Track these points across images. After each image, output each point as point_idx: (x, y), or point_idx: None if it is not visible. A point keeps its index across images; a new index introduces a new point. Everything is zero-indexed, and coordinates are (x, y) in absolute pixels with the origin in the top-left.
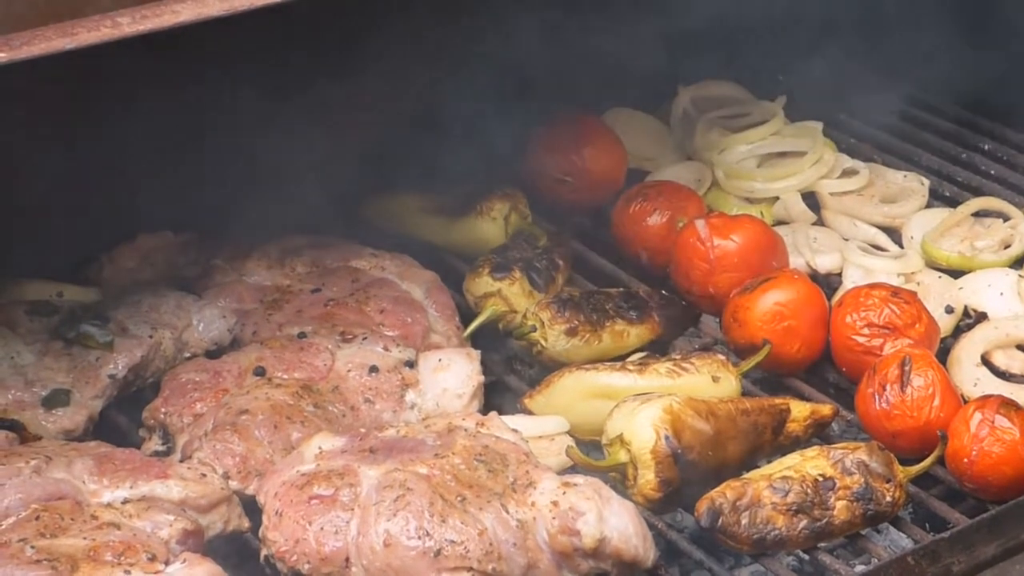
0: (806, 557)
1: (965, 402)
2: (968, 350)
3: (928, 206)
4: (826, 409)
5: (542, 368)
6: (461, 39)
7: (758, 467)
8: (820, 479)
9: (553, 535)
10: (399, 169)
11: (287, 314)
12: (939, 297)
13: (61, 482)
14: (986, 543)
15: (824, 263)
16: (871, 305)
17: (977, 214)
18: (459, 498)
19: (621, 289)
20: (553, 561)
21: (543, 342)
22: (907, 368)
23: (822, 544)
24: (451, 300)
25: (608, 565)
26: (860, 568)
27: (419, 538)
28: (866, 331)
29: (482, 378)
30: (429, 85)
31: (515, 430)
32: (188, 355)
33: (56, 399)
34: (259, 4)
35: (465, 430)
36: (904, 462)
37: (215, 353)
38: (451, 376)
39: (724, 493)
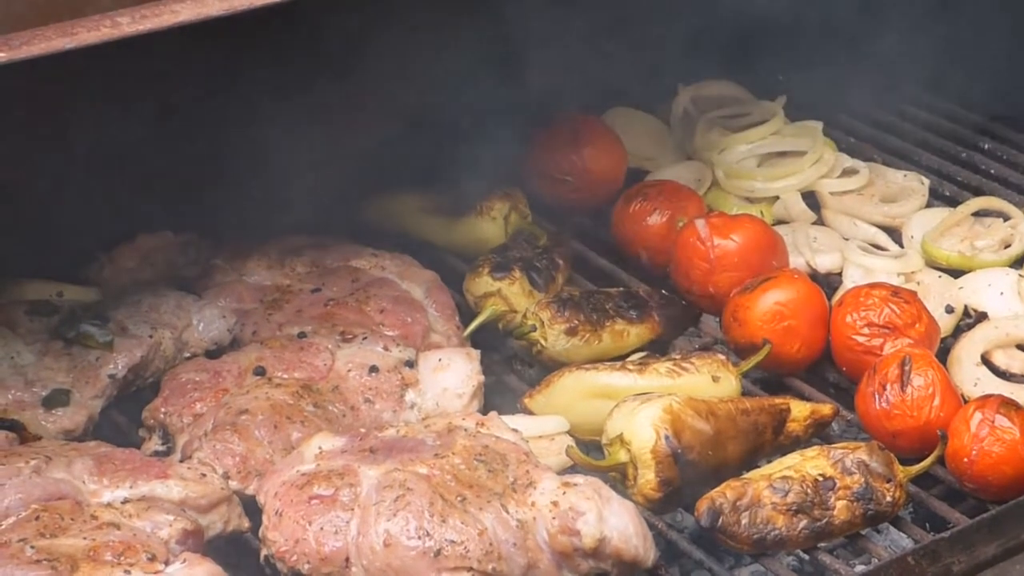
0: (806, 557)
1: (965, 402)
2: (968, 350)
3: (928, 206)
4: (826, 409)
5: (542, 368)
6: (461, 39)
7: (758, 467)
8: (820, 479)
9: (553, 535)
10: (399, 169)
11: (287, 314)
12: (939, 297)
13: (61, 482)
14: (986, 543)
15: (824, 263)
16: (871, 305)
17: (977, 214)
18: (459, 498)
19: (621, 289)
20: (553, 561)
21: (543, 342)
22: (907, 368)
23: (822, 544)
24: (451, 300)
25: (608, 565)
26: (860, 568)
27: (419, 538)
28: (866, 331)
29: (482, 378)
30: (429, 85)
31: (515, 430)
32: (188, 355)
33: (56, 399)
34: (259, 4)
35: (465, 430)
36: (904, 462)
37: (215, 353)
38: (451, 376)
39: (724, 493)
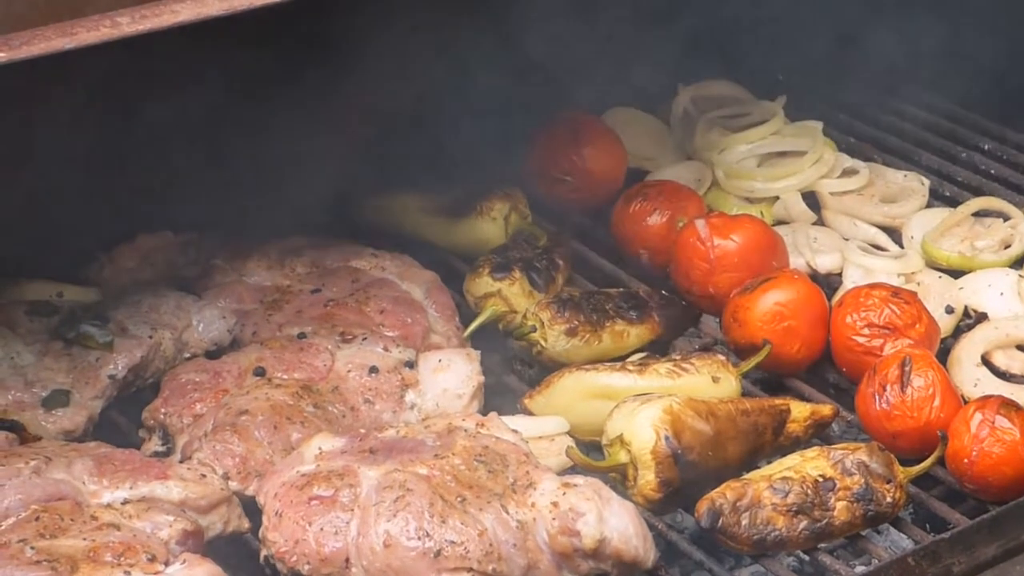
0: (806, 558)
1: (965, 402)
2: (968, 350)
3: (928, 206)
4: (826, 409)
5: (542, 368)
6: (461, 39)
7: (758, 468)
8: (820, 480)
9: (553, 536)
10: (399, 169)
11: (287, 314)
12: (939, 297)
13: (61, 483)
14: (986, 544)
15: (824, 263)
16: (871, 305)
17: (977, 214)
18: (459, 499)
19: (621, 289)
20: (553, 562)
21: (543, 342)
22: (907, 368)
23: (822, 545)
24: (451, 300)
25: (608, 566)
26: (860, 569)
27: (419, 539)
28: (866, 331)
29: (482, 378)
30: (429, 85)
31: (515, 430)
32: (188, 355)
33: (56, 400)
34: (259, 4)
35: (465, 430)
36: (904, 463)
37: (215, 353)
38: (451, 376)
39: (724, 494)
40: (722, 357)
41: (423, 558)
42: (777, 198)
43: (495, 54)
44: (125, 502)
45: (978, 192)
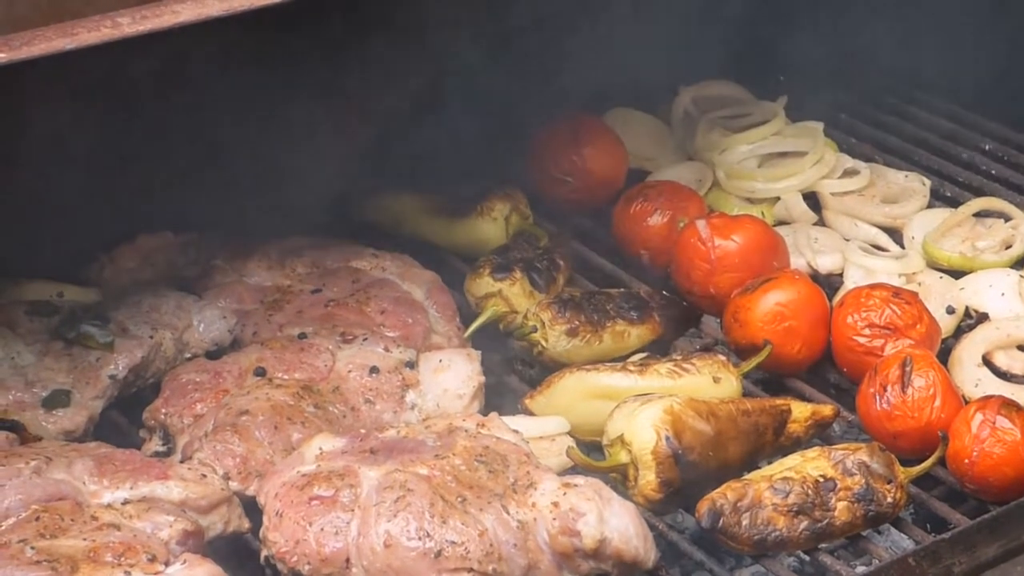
0: (807, 558)
1: (966, 403)
2: (969, 351)
3: (929, 206)
4: (827, 410)
5: (543, 369)
6: (462, 39)
7: (759, 468)
8: (821, 480)
9: (554, 536)
10: (399, 169)
11: (287, 315)
12: (940, 297)
13: (61, 483)
14: (987, 544)
15: (825, 263)
16: (872, 305)
17: (978, 214)
18: (459, 499)
19: (622, 289)
20: (554, 562)
21: (544, 343)
22: (908, 369)
23: (823, 545)
24: (452, 300)
25: (609, 566)
26: (861, 569)
27: (419, 539)
28: (867, 331)
29: (483, 379)
30: (429, 85)
31: (516, 431)
32: (188, 356)
33: (56, 400)
34: (259, 4)
35: (466, 431)
36: (905, 463)
37: (215, 354)
38: (452, 377)
39: (725, 494)
40: (723, 357)
41: (423, 558)
42: (778, 198)
43: (495, 54)
44: (125, 502)
45: (979, 192)
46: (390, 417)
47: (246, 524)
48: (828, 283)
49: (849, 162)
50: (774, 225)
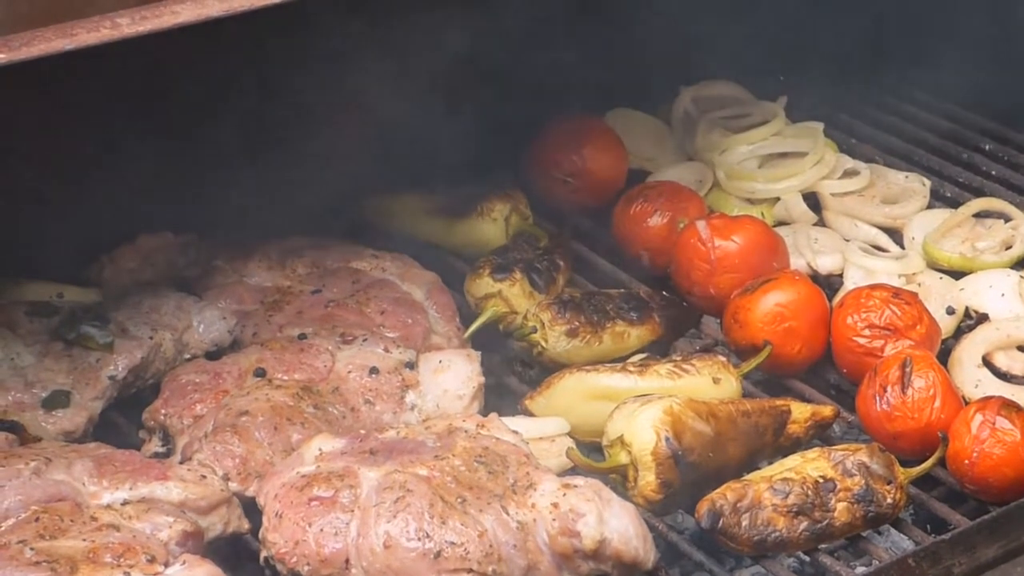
0: (807, 559)
1: (966, 403)
2: (969, 351)
3: (929, 207)
4: (827, 410)
5: (542, 369)
6: (461, 39)
7: (759, 468)
8: (821, 481)
9: (553, 536)
10: (399, 169)
11: (287, 315)
12: (940, 298)
13: (61, 484)
14: (987, 545)
15: (825, 264)
16: (872, 306)
17: (978, 215)
18: (459, 500)
19: (622, 290)
20: (553, 563)
21: (544, 343)
22: (908, 369)
23: (823, 546)
24: (452, 301)
25: (608, 567)
26: (861, 570)
27: (419, 540)
28: (867, 332)
29: (482, 379)
30: (430, 85)
31: (515, 431)
32: (188, 356)
33: (56, 400)
34: (259, 4)
35: (465, 431)
36: (905, 463)
37: (215, 354)
38: (451, 377)
39: (725, 495)
40: (723, 358)
41: (423, 559)
42: (778, 199)
43: (495, 54)
44: (125, 503)
45: (979, 193)
46: (390, 418)
47: (246, 525)
48: (828, 284)
49: (849, 162)
50: (774, 226)
